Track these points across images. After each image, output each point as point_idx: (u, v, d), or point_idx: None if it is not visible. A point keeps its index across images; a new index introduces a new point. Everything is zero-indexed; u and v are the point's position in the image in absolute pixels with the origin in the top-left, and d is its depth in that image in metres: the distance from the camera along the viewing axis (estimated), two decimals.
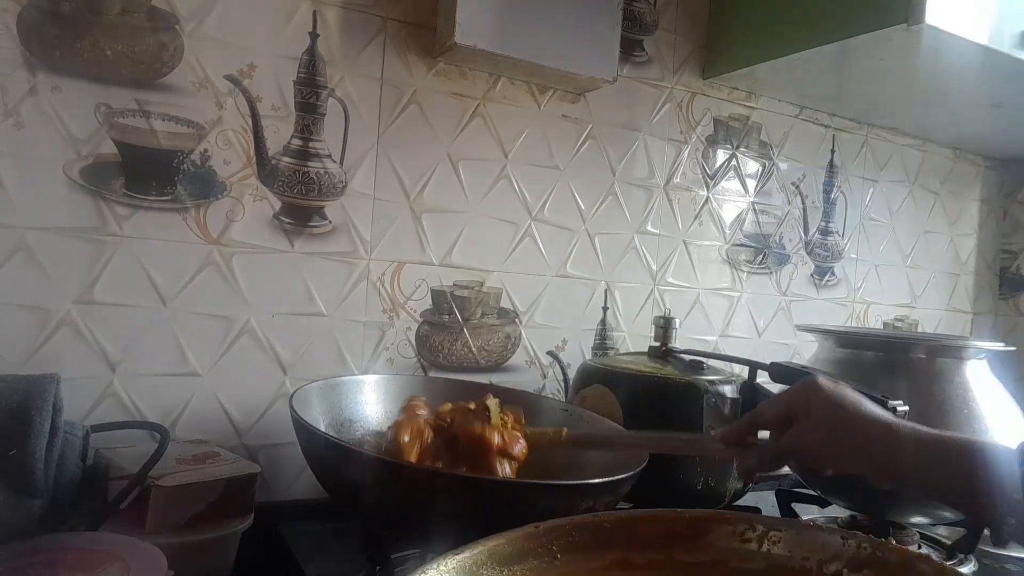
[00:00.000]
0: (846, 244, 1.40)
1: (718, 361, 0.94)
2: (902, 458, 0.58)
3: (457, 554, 0.45)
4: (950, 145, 1.53)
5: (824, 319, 1.36)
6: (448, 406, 0.73)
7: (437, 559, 0.44)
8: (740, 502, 0.92)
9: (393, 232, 0.95)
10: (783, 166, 1.30)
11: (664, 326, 0.97)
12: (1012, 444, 0.86)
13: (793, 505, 0.98)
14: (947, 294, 1.58)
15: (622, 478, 0.62)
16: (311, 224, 0.90)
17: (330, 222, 0.91)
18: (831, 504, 0.97)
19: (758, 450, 0.65)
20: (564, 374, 1.08)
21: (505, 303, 1.04)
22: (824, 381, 0.62)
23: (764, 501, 0.98)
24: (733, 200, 1.25)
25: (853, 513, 0.96)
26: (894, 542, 0.51)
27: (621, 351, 1.13)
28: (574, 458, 0.79)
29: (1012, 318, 1.61)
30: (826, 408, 0.60)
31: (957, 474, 0.56)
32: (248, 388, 0.87)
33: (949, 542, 0.91)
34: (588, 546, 0.52)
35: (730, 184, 1.24)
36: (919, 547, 0.92)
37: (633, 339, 1.15)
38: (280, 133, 0.87)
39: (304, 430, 0.64)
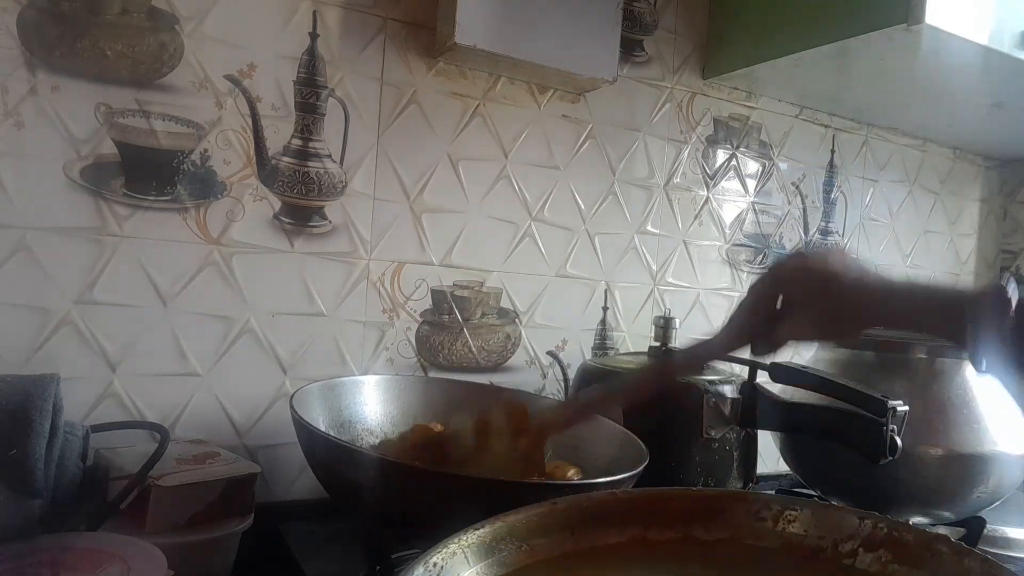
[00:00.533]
0: (846, 244, 1.40)
1: (718, 361, 0.94)
2: (888, 319, 0.61)
3: (478, 529, 0.46)
4: (950, 145, 1.52)
5: None
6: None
7: (458, 534, 0.44)
8: None
9: (393, 232, 0.95)
10: (783, 166, 1.30)
11: (664, 326, 0.97)
12: (1014, 445, 0.86)
13: None
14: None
15: (622, 478, 0.62)
16: (311, 224, 0.90)
17: (330, 222, 0.91)
18: (831, 504, 0.97)
19: (756, 343, 0.65)
20: (564, 374, 1.08)
21: (505, 303, 1.04)
22: (786, 267, 0.62)
23: None
24: (733, 200, 1.25)
25: None
26: (910, 522, 0.51)
27: (621, 351, 1.13)
28: (575, 460, 0.79)
29: None
30: (807, 298, 0.60)
31: (938, 320, 0.58)
32: (248, 388, 0.87)
33: None
34: (606, 523, 0.53)
35: (730, 184, 1.24)
36: None
37: (633, 339, 1.15)
38: (280, 133, 0.87)
39: (305, 430, 0.64)
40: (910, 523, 0.51)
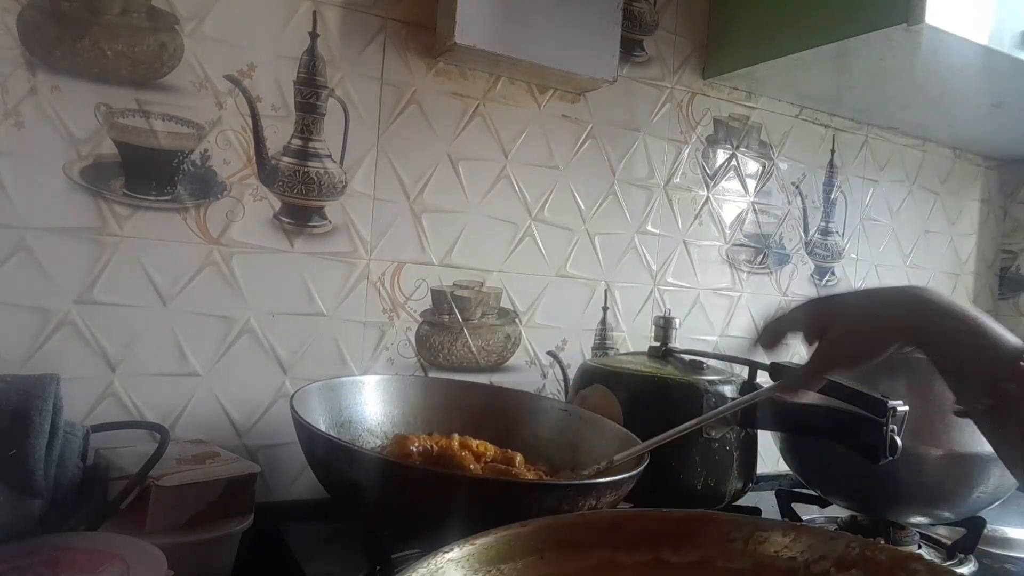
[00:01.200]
0: (846, 244, 1.40)
1: (718, 361, 0.94)
2: (926, 340, 0.62)
3: (446, 552, 0.45)
4: (950, 145, 1.52)
5: None
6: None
7: (427, 557, 0.44)
8: (741, 502, 0.92)
9: (393, 232, 0.95)
10: (783, 166, 1.30)
11: (664, 326, 0.97)
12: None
13: (793, 505, 0.98)
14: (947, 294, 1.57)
15: (623, 478, 0.62)
16: (311, 224, 0.90)
17: (330, 222, 0.91)
18: (831, 504, 0.97)
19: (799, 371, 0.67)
20: (564, 374, 1.08)
21: (505, 303, 1.04)
22: (825, 303, 0.66)
23: (764, 501, 0.98)
24: (733, 200, 1.25)
25: (853, 513, 0.96)
26: (883, 542, 0.50)
27: (621, 351, 1.13)
28: (575, 460, 0.79)
29: (1012, 318, 1.61)
30: (847, 322, 0.64)
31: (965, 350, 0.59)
32: (248, 388, 0.87)
33: (949, 542, 0.91)
34: (575, 545, 0.51)
35: (730, 184, 1.24)
36: (919, 547, 0.92)
37: (633, 339, 1.15)
38: (280, 133, 0.87)
39: (305, 430, 0.64)
40: (882, 543, 0.50)
